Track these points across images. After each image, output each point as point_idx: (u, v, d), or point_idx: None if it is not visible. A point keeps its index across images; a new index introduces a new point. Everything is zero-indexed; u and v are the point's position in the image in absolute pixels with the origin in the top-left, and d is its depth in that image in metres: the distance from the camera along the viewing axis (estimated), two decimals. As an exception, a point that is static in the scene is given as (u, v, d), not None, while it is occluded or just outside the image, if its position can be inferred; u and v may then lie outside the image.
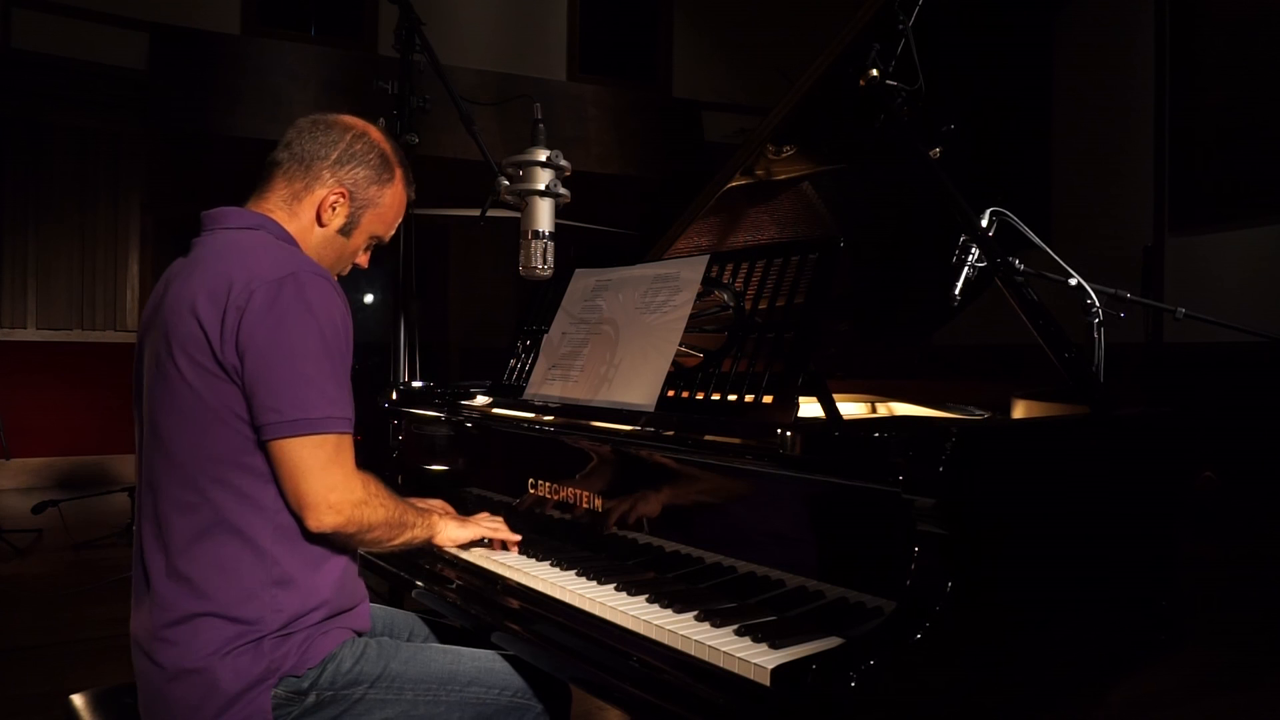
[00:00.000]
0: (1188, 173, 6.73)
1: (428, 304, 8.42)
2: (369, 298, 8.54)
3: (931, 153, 2.04)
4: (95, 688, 1.63)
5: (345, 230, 1.58)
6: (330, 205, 1.55)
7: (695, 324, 1.66)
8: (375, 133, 1.61)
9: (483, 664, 1.53)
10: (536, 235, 2.07)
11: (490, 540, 1.73)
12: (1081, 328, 1.71)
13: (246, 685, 1.35)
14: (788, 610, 1.29)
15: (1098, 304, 1.73)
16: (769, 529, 1.38)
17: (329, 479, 1.36)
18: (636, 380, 1.67)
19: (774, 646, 1.16)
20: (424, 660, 1.49)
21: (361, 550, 1.51)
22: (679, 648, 1.22)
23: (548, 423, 1.81)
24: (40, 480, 6.94)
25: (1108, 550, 1.41)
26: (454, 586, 1.66)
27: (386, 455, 2.30)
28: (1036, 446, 1.34)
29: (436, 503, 1.92)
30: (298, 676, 1.38)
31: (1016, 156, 2.55)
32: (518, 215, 2.12)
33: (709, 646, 1.18)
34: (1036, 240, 1.74)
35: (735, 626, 1.22)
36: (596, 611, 1.38)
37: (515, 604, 1.52)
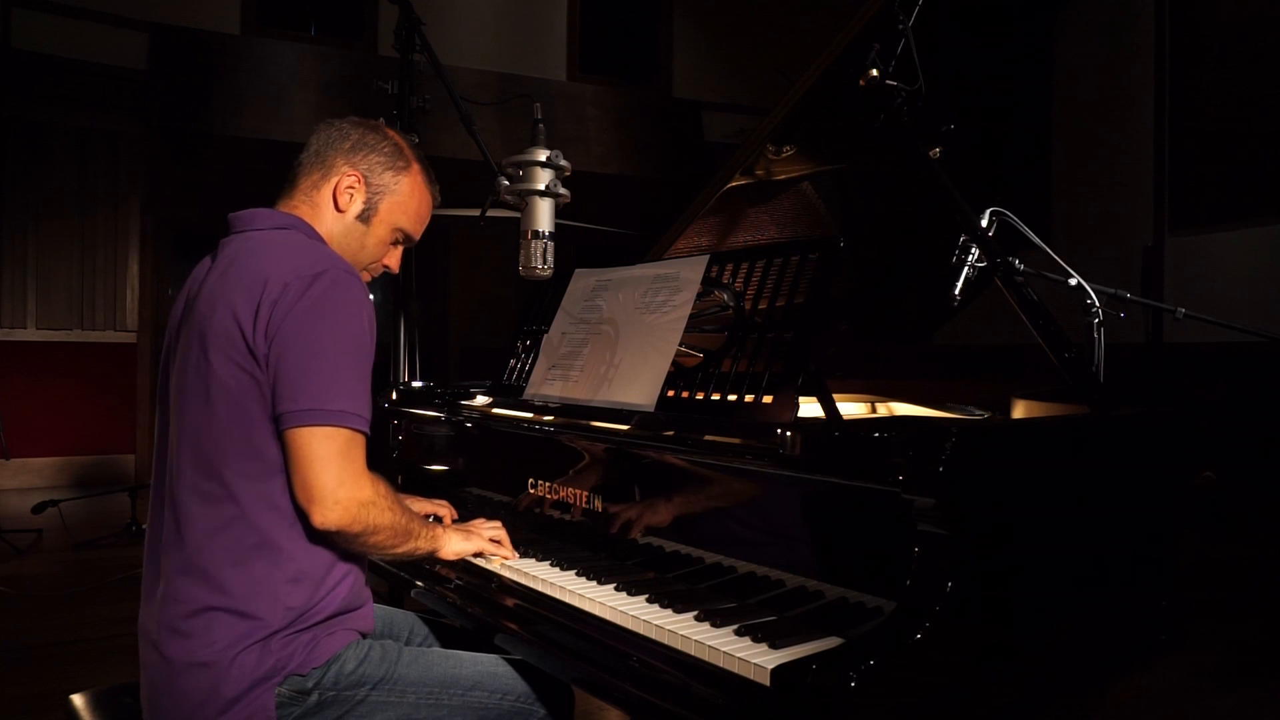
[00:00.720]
0: (1188, 173, 6.73)
1: (428, 304, 8.42)
2: (369, 298, 8.53)
3: (931, 153, 2.04)
4: (95, 688, 1.63)
5: (364, 217, 1.60)
6: (346, 190, 1.58)
7: (695, 324, 1.66)
8: (389, 129, 1.66)
9: (485, 668, 1.53)
10: (536, 235, 2.07)
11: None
12: (1081, 328, 1.71)
13: (252, 683, 1.35)
14: (788, 610, 1.29)
15: (1098, 304, 1.73)
16: (769, 529, 1.38)
17: (339, 473, 1.36)
18: (636, 380, 1.67)
19: (774, 646, 1.16)
20: (427, 663, 1.49)
21: (364, 554, 1.50)
22: (679, 647, 1.22)
23: (548, 423, 1.81)
24: (40, 480, 6.94)
25: (1107, 550, 1.41)
26: (454, 586, 1.66)
27: (386, 455, 2.30)
28: (1036, 446, 1.34)
29: (442, 504, 1.93)
30: (302, 676, 1.39)
31: (1016, 156, 2.56)
32: (518, 215, 2.12)
33: (709, 646, 1.18)
34: (1036, 240, 1.74)
35: (735, 626, 1.22)
36: (596, 611, 1.38)
37: (515, 604, 1.52)
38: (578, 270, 2.03)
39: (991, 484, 1.21)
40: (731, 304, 1.66)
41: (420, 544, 1.55)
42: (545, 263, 2.09)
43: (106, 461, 7.24)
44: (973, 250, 1.67)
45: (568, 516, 1.75)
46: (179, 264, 7.68)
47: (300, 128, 6.83)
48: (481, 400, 2.11)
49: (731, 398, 1.52)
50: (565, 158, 2.10)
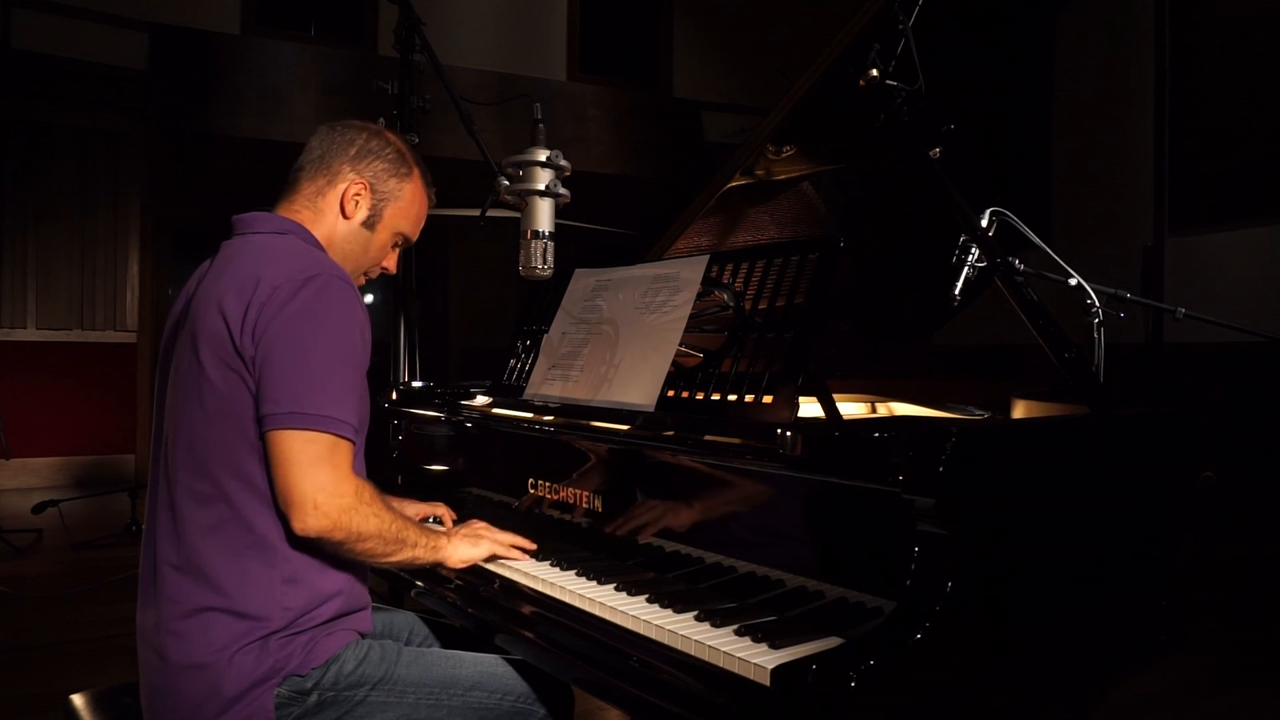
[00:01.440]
0: (1188, 173, 6.74)
1: (428, 304, 8.43)
2: (369, 298, 8.53)
3: (931, 153, 2.04)
4: (95, 688, 1.63)
5: (369, 223, 1.61)
6: (353, 197, 1.58)
7: (695, 324, 1.66)
8: (389, 133, 1.66)
9: (485, 668, 1.53)
10: (536, 235, 2.07)
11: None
12: (1081, 328, 1.71)
13: (251, 684, 1.35)
14: (788, 610, 1.29)
15: (1098, 304, 1.73)
16: (769, 529, 1.38)
17: (317, 478, 1.34)
18: (636, 380, 1.67)
19: (774, 646, 1.16)
20: (426, 664, 1.49)
21: (358, 561, 1.48)
22: (679, 647, 1.22)
23: (548, 423, 1.81)
24: (40, 480, 6.94)
25: (1107, 550, 1.41)
26: (453, 586, 1.66)
27: (386, 455, 2.30)
28: (1036, 446, 1.34)
29: (439, 506, 1.92)
30: (301, 676, 1.38)
31: (1016, 156, 2.55)
32: (518, 215, 2.12)
33: (709, 646, 1.18)
34: (1036, 240, 1.74)
35: (735, 626, 1.22)
36: (596, 611, 1.38)
37: (515, 604, 1.52)
38: (578, 270, 2.02)
39: (991, 484, 1.21)
40: (731, 304, 1.66)
41: (419, 553, 1.52)
42: (545, 263, 2.09)
43: (106, 461, 7.24)
44: (973, 250, 1.67)
45: (567, 516, 1.74)
46: (179, 264, 7.69)
47: (300, 128, 6.83)
48: (481, 400, 2.11)
49: (732, 398, 1.52)
50: (565, 158, 2.10)
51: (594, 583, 1.48)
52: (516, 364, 2.06)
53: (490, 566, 1.64)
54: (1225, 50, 6.51)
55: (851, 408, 2.19)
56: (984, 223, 1.70)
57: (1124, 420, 1.51)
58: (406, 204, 1.64)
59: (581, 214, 2.55)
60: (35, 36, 6.88)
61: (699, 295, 1.67)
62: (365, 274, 1.67)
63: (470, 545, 1.63)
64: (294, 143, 1.65)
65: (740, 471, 1.40)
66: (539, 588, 1.51)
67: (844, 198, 2.30)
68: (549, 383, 1.89)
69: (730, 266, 1.68)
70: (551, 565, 1.60)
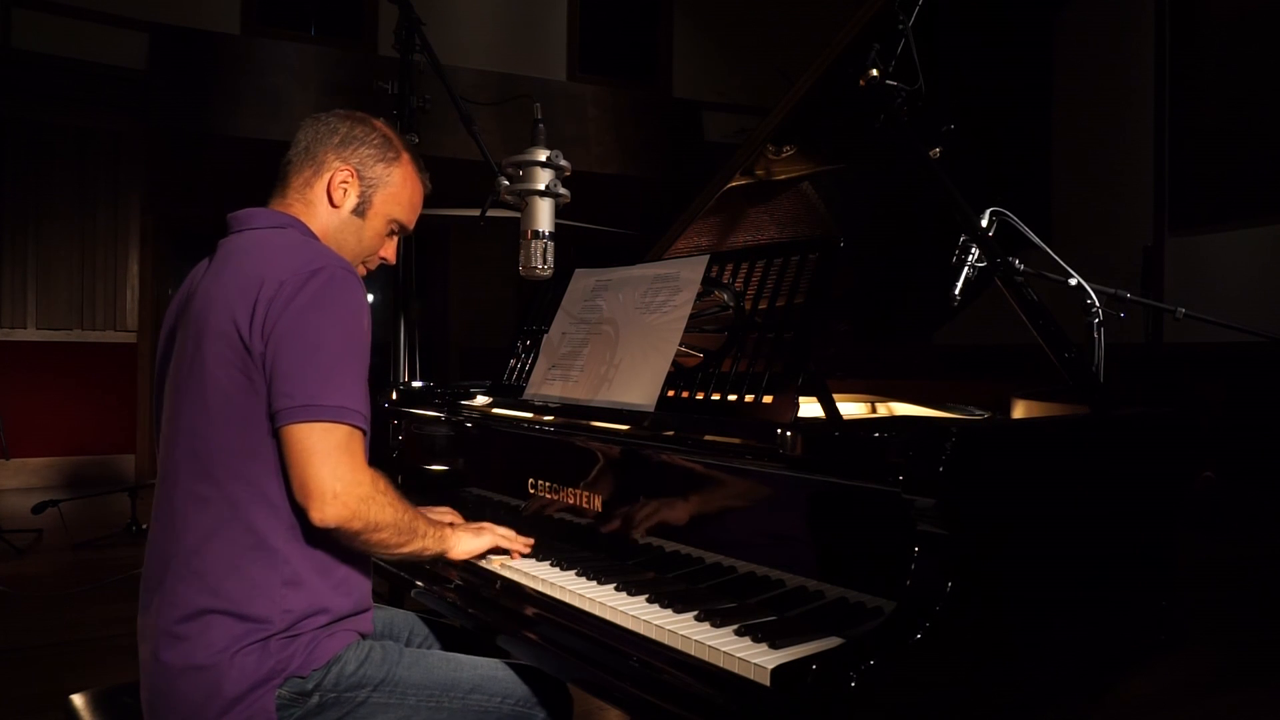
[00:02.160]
0: (1188, 173, 6.74)
1: (428, 304, 8.43)
2: (369, 298, 8.53)
3: (931, 153, 2.04)
4: (95, 688, 1.63)
5: (360, 210, 1.60)
6: (339, 185, 1.57)
7: (695, 324, 1.66)
8: (376, 121, 1.65)
9: (485, 671, 1.52)
10: (536, 235, 2.07)
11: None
12: (1081, 328, 1.71)
13: (252, 685, 1.35)
14: (788, 610, 1.29)
15: (1098, 304, 1.73)
16: (769, 529, 1.38)
17: (335, 467, 1.34)
18: (636, 380, 1.67)
19: (774, 646, 1.16)
20: (427, 665, 1.49)
21: (368, 553, 1.48)
22: (679, 648, 1.22)
23: (548, 423, 1.81)
24: (40, 480, 6.94)
25: (1107, 550, 1.41)
26: (453, 586, 1.66)
27: (386, 455, 2.30)
28: (1036, 446, 1.34)
29: (447, 511, 1.91)
30: (302, 677, 1.38)
31: (1016, 156, 2.55)
32: (518, 215, 2.12)
33: (709, 646, 1.18)
34: (1036, 240, 1.74)
35: (735, 626, 1.22)
36: (596, 611, 1.38)
37: (515, 604, 1.52)
38: (578, 270, 2.02)
39: (991, 484, 1.21)
40: (731, 304, 1.66)
41: (428, 543, 1.53)
42: (545, 263, 2.09)
43: (106, 461, 7.24)
44: (973, 250, 1.67)
45: (567, 516, 1.74)
46: (179, 264, 7.68)
47: (300, 128, 6.81)
48: (481, 400, 2.11)
49: (732, 398, 1.52)
50: (565, 158, 2.10)
51: (594, 582, 1.48)
52: (516, 364, 2.06)
53: (490, 567, 1.64)
54: (1225, 50, 6.51)
55: (851, 408, 2.19)
56: (984, 223, 1.70)
57: (1124, 420, 1.51)
58: (396, 189, 1.62)
59: (581, 214, 2.55)
60: (35, 36, 6.88)
61: (699, 295, 1.67)
62: (364, 265, 1.66)
63: (473, 537, 1.63)
64: (294, 143, 1.64)
65: (740, 471, 1.40)
66: (539, 588, 1.51)
67: (844, 198, 2.30)
68: (549, 383, 1.89)
69: (730, 266, 1.68)
70: (552, 565, 1.60)
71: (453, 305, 8.61)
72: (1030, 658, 1.27)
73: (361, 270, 1.66)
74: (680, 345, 1.64)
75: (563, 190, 2.10)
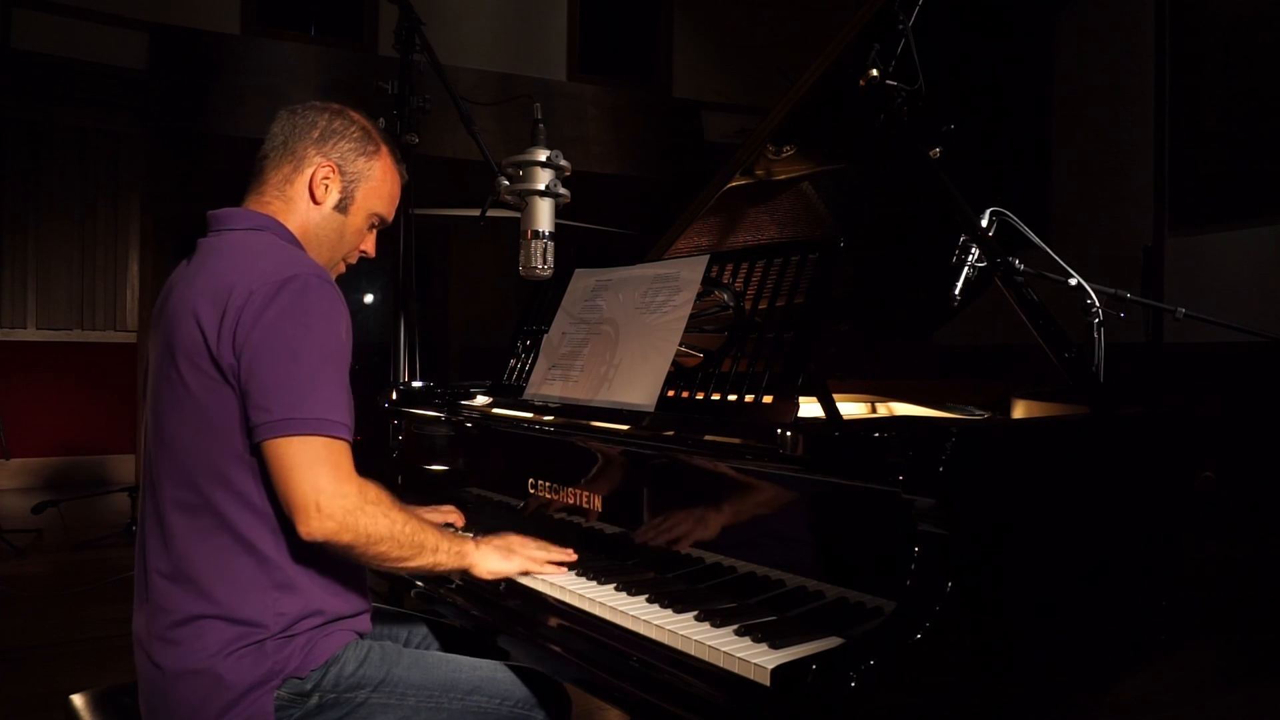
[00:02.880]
0: (1188, 173, 6.73)
1: (428, 304, 8.42)
2: (369, 298, 8.53)
3: (931, 153, 2.04)
4: (95, 688, 1.62)
5: (342, 206, 1.57)
6: (321, 181, 1.54)
7: (695, 324, 1.66)
8: (352, 112, 1.61)
9: (485, 673, 1.52)
10: (536, 235, 2.07)
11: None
12: (1081, 328, 1.71)
13: (249, 686, 1.34)
14: (788, 610, 1.29)
15: (1098, 304, 1.73)
16: (769, 529, 1.38)
17: (317, 480, 1.30)
18: (636, 380, 1.67)
19: (774, 646, 1.16)
20: (427, 666, 1.48)
21: (374, 568, 1.43)
22: (679, 647, 1.22)
23: (548, 423, 1.81)
24: (40, 480, 6.94)
25: (1107, 550, 1.41)
26: (454, 586, 1.66)
27: (386, 455, 2.30)
28: (1036, 446, 1.34)
29: (449, 510, 1.90)
30: (301, 678, 1.38)
31: (1016, 156, 2.55)
32: (518, 215, 2.12)
33: (709, 646, 1.18)
34: (1036, 240, 1.74)
35: (735, 626, 1.22)
36: (596, 611, 1.38)
37: (515, 604, 1.52)
38: (578, 270, 2.02)
39: (992, 484, 1.21)
40: (731, 304, 1.66)
41: (441, 558, 1.46)
42: (545, 263, 2.09)
43: (106, 461, 7.24)
44: (973, 250, 1.67)
45: (567, 516, 1.74)
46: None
47: (300, 128, 6.81)
48: (481, 400, 2.11)
49: (732, 398, 1.52)
50: (565, 158, 2.10)
51: (594, 582, 1.48)
52: (516, 364, 2.06)
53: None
54: (1225, 50, 6.50)
55: (851, 408, 2.19)
56: (984, 223, 1.70)
57: (1124, 420, 1.51)
58: (378, 183, 1.59)
59: (581, 214, 2.55)
60: (35, 36, 6.88)
61: (699, 295, 1.67)
62: (345, 260, 1.63)
63: (502, 558, 1.54)
64: (294, 143, 1.63)
65: (740, 471, 1.40)
66: (539, 587, 1.51)
67: (844, 198, 2.30)
68: (549, 383, 1.89)
69: (730, 266, 1.68)
70: (551, 565, 1.60)
71: (453, 305, 8.60)
72: (1030, 658, 1.27)
73: (341, 266, 1.63)
74: (680, 345, 1.64)
75: (563, 190, 2.10)
